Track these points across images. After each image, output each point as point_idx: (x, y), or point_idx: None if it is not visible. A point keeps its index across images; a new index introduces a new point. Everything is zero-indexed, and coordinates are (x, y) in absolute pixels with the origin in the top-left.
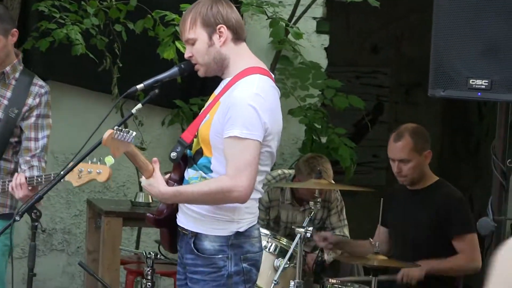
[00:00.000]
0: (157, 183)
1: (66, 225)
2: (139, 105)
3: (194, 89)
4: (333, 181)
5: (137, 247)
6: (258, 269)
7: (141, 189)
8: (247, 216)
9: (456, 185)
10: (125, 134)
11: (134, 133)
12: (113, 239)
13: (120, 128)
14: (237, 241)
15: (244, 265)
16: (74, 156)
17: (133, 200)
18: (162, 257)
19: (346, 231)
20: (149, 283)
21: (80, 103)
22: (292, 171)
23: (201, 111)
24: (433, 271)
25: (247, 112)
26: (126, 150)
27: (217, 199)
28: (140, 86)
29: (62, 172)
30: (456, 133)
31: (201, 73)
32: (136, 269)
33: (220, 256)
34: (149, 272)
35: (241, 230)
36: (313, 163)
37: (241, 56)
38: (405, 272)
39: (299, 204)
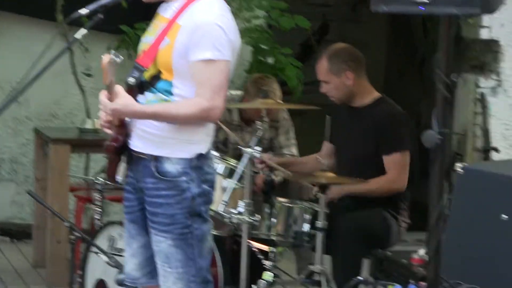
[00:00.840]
0: (131, 102)
1: (14, 155)
2: (84, 30)
3: (139, 14)
4: (280, 101)
5: (86, 174)
6: (214, 190)
7: (88, 115)
8: (206, 138)
9: (403, 102)
10: (116, 57)
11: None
12: (61, 166)
13: (113, 52)
14: (199, 163)
15: (205, 186)
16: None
17: (80, 127)
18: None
19: (294, 150)
20: (99, 209)
21: (25, 32)
22: (239, 92)
23: (151, 34)
24: (354, 193)
25: (216, 33)
26: (112, 78)
27: (194, 121)
28: (84, 11)
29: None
30: (402, 49)
31: None
32: (85, 195)
33: (184, 178)
34: (98, 198)
35: (203, 152)
36: (261, 83)
37: None
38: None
39: (247, 125)
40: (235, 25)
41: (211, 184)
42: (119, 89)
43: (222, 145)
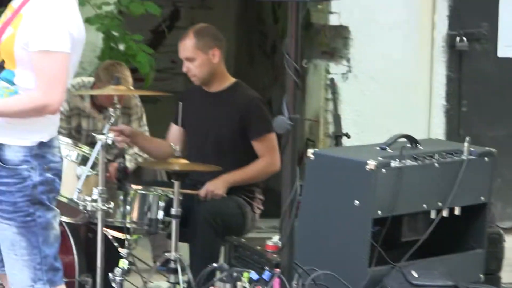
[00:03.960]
0: None
1: None
2: None
3: None
4: (132, 87)
5: None
6: (60, 179)
7: None
8: (50, 127)
9: (254, 87)
10: None
11: None
12: None
13: None
14: (40, 151)
15: (48, 174)
16: None
17: None
18: None
19: None
20: None
21: None
22: (91, 79)
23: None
24: (236, 183)
25: (54, 24)
26: None
27: (30, 114)
28: None
29: None
30: (252, 36)
31: None
32: None
33: (24, 166)
34: None
35: (44, 140)
36: (112, 70)
37: None
38: (209, 189)
39: (99, 112)
40: (77, 18)
41: (56, 173)
42: None
43: (75, 132)
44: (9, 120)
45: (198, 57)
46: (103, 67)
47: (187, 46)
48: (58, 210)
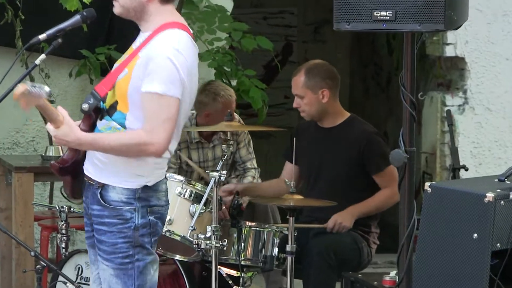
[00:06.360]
0: (71, 130)
1: None
2: (43, 56)
3: (100, 38)
4: (242, 122)
5: (50, 202)
6: (163, 223)
7: (51, 143)
8: (156, 171)
9: (369, 120)
10: (38, 89)
11: (48, 89)
12: (25, 195)
13: (34, 84)
14: (145, 194)
15: (151, 217)
16: None
17: (43, 154)
18: (76, 211)
19: (255, 163)
20: (64, 238)
21: None
22: (193, 112)
23: (118, 63)
24: (363, 214)
25: (167, 68)
26: (37, 104)
27: (133, 151)
28: (42, 36)
29: None
30: (366, 68)
31: (116, 10)
32: (50, 224)
33: (127, 208)
34: (63, 227)
35: (149, 184)
36: (213, 88)
37: (162, 15)
38: (336, 222)
39: (207, 141)
40: (192, 64)
41: (159, 217)
42: (65, 115)
43: (186, 166)
44: (116, 163)
45: (307, 96)
46: (200, 90)
47: (297, 83)
48: (157, 257)
